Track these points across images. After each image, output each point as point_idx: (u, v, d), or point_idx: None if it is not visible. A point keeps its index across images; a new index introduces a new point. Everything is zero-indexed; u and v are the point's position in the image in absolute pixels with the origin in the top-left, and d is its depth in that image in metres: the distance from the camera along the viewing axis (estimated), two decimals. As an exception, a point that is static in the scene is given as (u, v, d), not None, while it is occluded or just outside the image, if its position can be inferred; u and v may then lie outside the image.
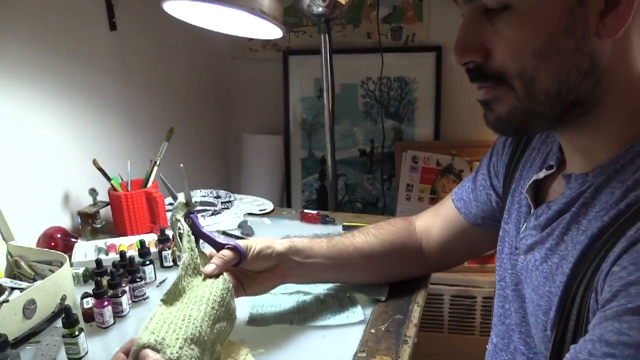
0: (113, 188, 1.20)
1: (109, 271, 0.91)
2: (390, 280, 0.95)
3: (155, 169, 1.22)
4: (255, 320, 0.87)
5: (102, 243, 1.15)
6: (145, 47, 1.52)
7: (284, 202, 2.03)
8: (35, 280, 0.97)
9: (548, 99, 0.53)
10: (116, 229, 1.21)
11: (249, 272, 0.81)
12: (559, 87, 0.52)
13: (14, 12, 1.09)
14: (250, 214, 1.34)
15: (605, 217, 0.52)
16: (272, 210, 1.37)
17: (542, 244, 0.61)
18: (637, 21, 0.50)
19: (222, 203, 1.39)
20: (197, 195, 1.44)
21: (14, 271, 1.01)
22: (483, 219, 0.85)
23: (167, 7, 0.79)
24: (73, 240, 1.16)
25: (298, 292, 0.94)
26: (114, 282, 0.89)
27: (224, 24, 0.84)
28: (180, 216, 0.77)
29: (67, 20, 1.22)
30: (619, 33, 0.50)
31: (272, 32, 0.86)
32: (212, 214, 1.32)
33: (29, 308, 0.85)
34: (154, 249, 1.07)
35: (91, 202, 1.22)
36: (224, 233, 1.23)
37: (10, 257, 1.01)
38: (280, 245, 0.83)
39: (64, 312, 0.89)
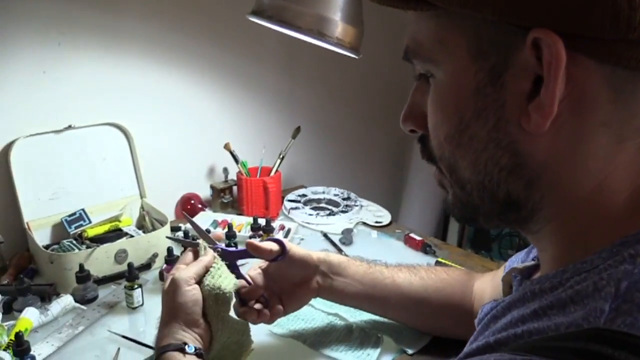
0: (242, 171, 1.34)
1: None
2: (429, 331, 0.86)
3: (278, 161, 1.32)
4: (278, 325, 0.87)
5: (221, 216, 1.30)
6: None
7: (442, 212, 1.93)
8: (151, 234, 1.17)
9: (475, 190, 0.42)
10: (239, 206, 1.35)
11: (287, 286, 0.81)
12: (481, 179, 0.41)
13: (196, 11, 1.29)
14: (363, 223, 1.33)
15: (475, 343, 0.40)
16: (387, 225, 1.33)
17: None
18: (593, 117, 0.36)
19: (346, 206, 1.41)
20: (331, 193, 1.48)
21: (141, 222, 1.22)
22: None
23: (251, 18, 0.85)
24: (201, 207, 1.34)
25: (335, 315, 0.92)
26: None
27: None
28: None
29: (235, 13, 1.37)
30: (544, 127, 0.36)
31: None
32: (328, 214, 1.36)
33: (120, 255, 1.04)
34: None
35: (224, 179, 1.39)
36: (325, 235, 1.25)
37: (142, 210, 1.23)
38: (316, 255, 0.83)
39: (150, 266, 1.06)
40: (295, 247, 0.80)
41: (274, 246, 0.77)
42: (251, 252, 0.76)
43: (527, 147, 0.38)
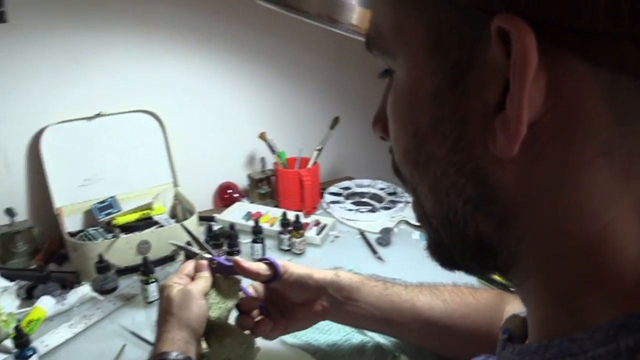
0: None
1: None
2: (452, 358, 0.76)
3: (315, 153, 1.24)
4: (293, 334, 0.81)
5: (255, 208, 1.25)
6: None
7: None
8: (182, 224, 1.14)
9: (441, 227, 0.32)
10: (276, 198, 1.30)
11: (288, 305, 0.75)
12: (445, 212, 0.31)
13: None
14: (406, 222, 1.23)
15: None
16: (433, 225, 1.22)
17: None
18: (588, 144, 0.25)
19: (390, 202, 1.31)
20: (377, 186, 1.39)
21: (174, 212, 1.20)
22: None
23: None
24: (238, 196, 1.30)
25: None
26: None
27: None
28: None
29: None
30: (512, 152, 0.26)
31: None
32: (369, 211, 1.27)
33: (143, 246, 1.02)
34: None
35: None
36: (362, 233, 1.17)
37: (175, 199, 1.21)
38: (322, 276, 0.74)
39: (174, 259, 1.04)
40: (293, 268, 0.72)
41: (263, 268, 0.70)
42: (237, 270, 0.69)
43: (497, 175, 0.27)
